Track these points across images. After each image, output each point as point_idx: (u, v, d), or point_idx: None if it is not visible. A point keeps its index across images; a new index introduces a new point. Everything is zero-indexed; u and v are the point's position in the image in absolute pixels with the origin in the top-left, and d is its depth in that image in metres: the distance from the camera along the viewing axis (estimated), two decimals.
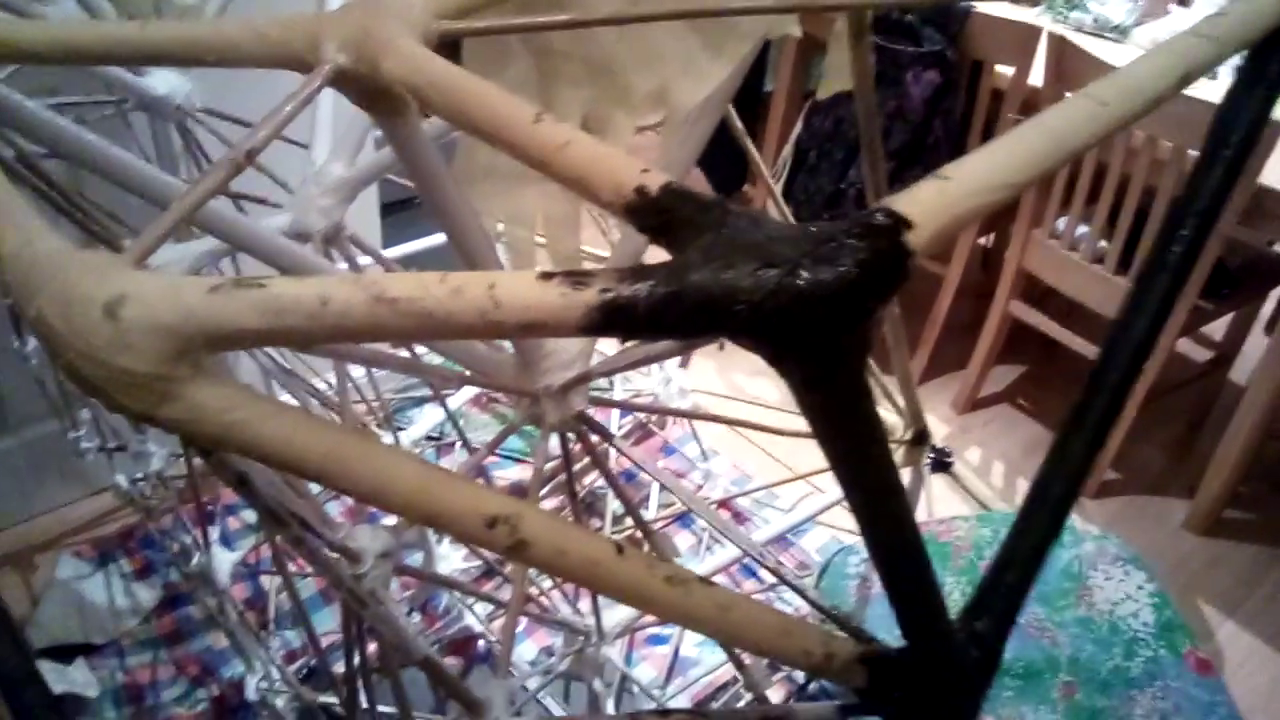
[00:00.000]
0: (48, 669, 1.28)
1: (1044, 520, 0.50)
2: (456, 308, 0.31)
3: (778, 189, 1.18)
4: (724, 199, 0.33)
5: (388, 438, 1.61)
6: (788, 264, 0.30)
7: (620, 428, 2.17)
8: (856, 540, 1.34)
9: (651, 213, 0.34)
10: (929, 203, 0.33)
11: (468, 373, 0.73)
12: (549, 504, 1.91)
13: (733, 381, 2.52)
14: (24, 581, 1.82)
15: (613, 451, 0.76)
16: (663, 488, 1.94)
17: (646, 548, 0.86)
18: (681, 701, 1.70)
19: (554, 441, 0.77)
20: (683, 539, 2.04)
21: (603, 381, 2.03)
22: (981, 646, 0.50)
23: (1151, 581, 1.22)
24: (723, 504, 2.12)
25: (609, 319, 0.30)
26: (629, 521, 1.95)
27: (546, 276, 0.31)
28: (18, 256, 0.33)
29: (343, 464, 0.34)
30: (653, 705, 1.55)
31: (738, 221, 0.32)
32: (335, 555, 0.58)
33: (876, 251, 0.31)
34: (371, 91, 0.47)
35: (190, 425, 0.32)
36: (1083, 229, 2.20)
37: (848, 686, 0.49)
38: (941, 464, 1.28)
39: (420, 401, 2.22)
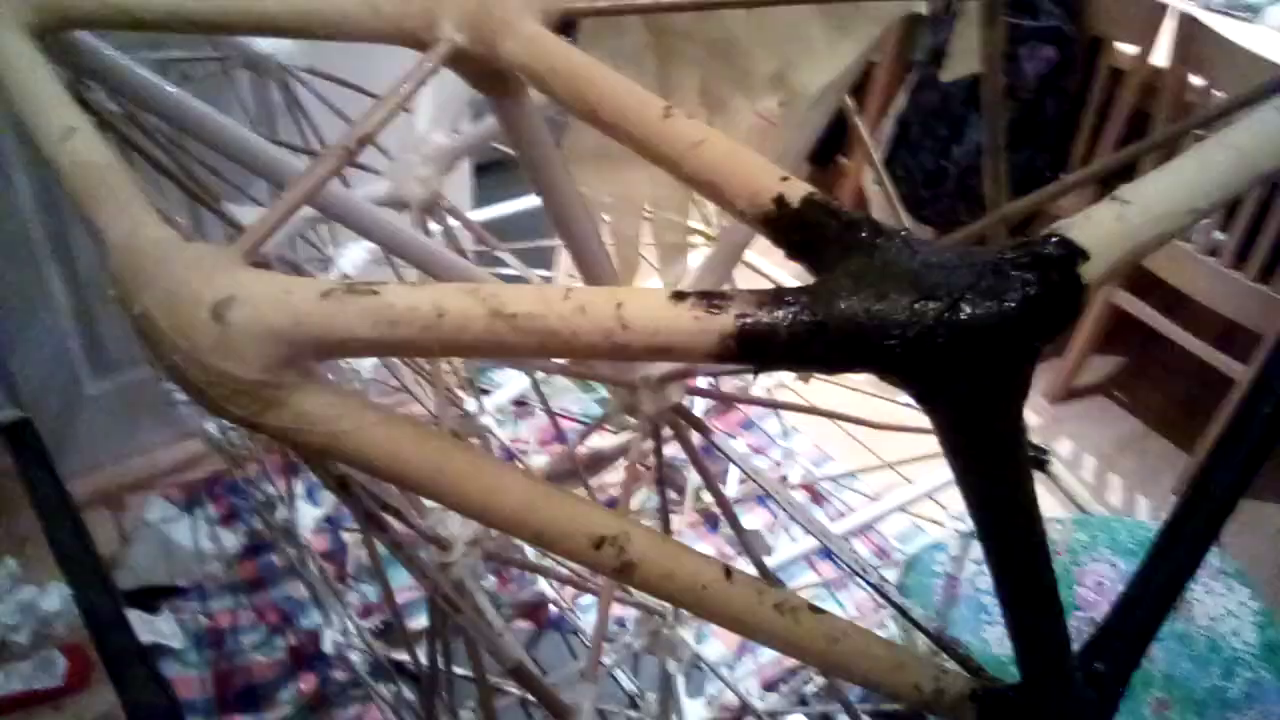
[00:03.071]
0: (134, 619, 1.31)
1: (1177, 559, 0.46)
2: (580, 327, 0.28)
3: (878, 161, 1.13)
4: (872, 219, 0.30)
5: (471, 403, 1.61)
6: (949, 297, 0.27)
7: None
8: (942, 534, 1.30)
9: (792, 227, 0.31)
10: (1106, 230, 0.29)
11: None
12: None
13: None
14: (114, 521, 1.87)
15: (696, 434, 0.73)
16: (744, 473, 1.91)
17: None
18: (751, 683, 1.68)
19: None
20: (759, 516, 2.01)
21: None
22: (1100, 689, 0.47)
23: (1256, 599, 1.16)
24: (803, 485, 2.08)
25: (746, 348, 0.28)
26: (708, 496, 1.93)
27: (679, 297, 0.28)
28: (124, 247, 0.31)
29: (450, 479, 0.32)
30: (720, 685, 1.54)
31: (890, 244, 0.29)
32: (427, 542, 0.57)
33: (1047, 285, 0.27)
34: (488, 73, 0.44)
35: (295, 435, 0.31)
36: None
37: None
38: (1039, 462, 1.23)
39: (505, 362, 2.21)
